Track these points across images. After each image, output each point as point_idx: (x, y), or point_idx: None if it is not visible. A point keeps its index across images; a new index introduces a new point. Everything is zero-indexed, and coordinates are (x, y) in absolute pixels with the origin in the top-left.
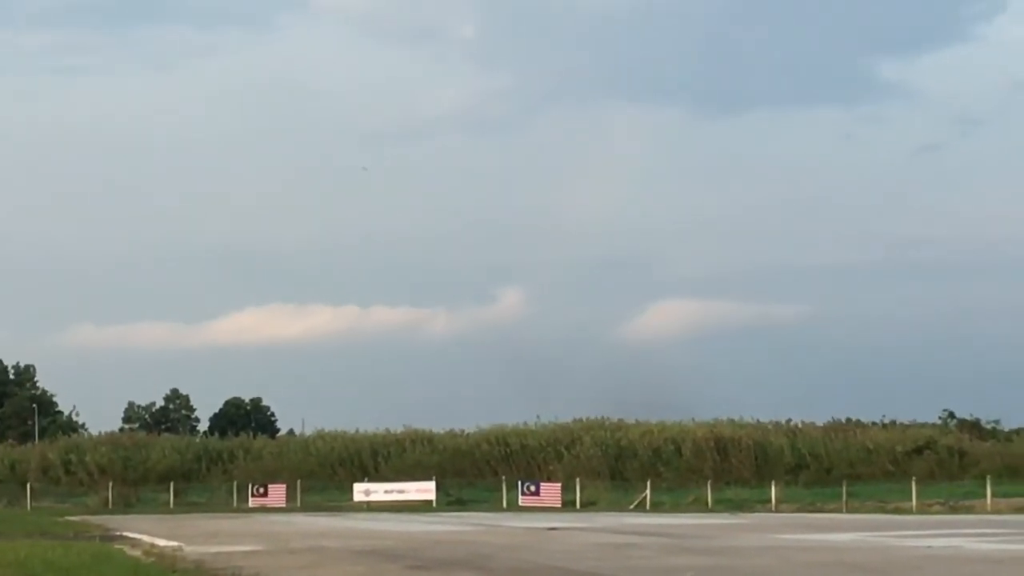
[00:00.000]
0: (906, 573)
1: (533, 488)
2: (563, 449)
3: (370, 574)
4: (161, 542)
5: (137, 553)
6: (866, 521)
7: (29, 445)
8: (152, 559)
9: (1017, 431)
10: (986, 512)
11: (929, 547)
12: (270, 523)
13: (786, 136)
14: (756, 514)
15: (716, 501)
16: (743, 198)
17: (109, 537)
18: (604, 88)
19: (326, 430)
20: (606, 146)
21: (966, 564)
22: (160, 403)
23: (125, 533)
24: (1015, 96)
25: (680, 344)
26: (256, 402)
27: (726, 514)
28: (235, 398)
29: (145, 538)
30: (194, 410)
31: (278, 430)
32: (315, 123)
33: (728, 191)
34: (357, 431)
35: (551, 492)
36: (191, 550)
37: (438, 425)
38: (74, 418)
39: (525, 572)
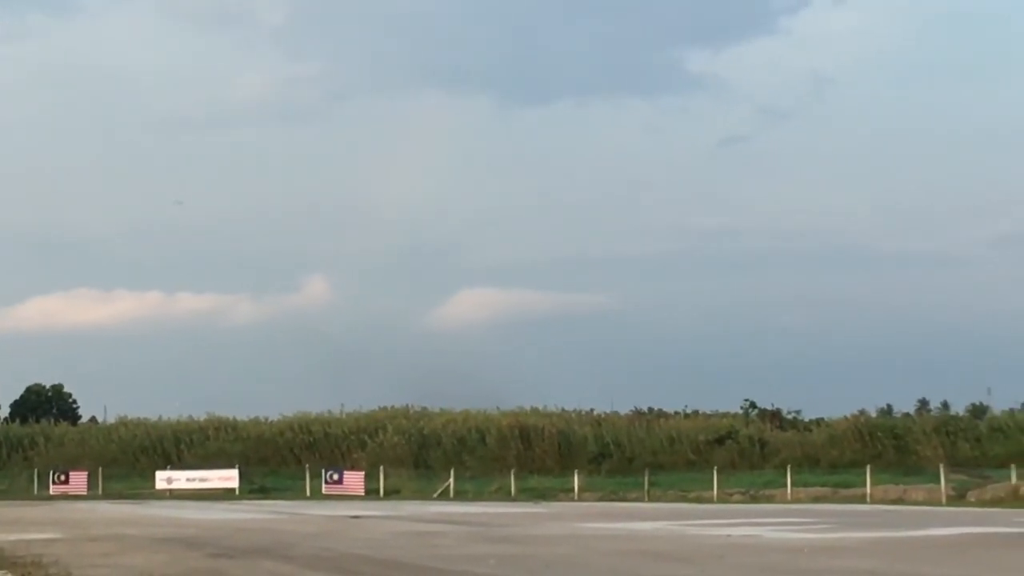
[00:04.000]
0: (706, 561)
1: (336, 476)
2: (367, 438)
3: (171, 562)
4: None
5: None
6: (668, 510)
7: None
8: None
9: (816, 421)
10: (786, 501)
11: (729, 536)
12: (72, 510)
13: (592, 127)
14: (559, 503)
15: (520, 490)
16: (549, 188)
17: None
18: (413, 77)
19: (129, 417)
20: (414, 135)
21: (765, 553)
22: None
23: None
24: (818, 90)
25: (484, 333)
26: (58, 388)
27: (529, 503)
28: (36, 384)
29: None
30: None
31: (80, 417)
32: (118, 107)
33: (534, 181)
34: (160, 418)
35: (354, 480)
36: None
37: (242, 413)
38: None
39: (327, 560)
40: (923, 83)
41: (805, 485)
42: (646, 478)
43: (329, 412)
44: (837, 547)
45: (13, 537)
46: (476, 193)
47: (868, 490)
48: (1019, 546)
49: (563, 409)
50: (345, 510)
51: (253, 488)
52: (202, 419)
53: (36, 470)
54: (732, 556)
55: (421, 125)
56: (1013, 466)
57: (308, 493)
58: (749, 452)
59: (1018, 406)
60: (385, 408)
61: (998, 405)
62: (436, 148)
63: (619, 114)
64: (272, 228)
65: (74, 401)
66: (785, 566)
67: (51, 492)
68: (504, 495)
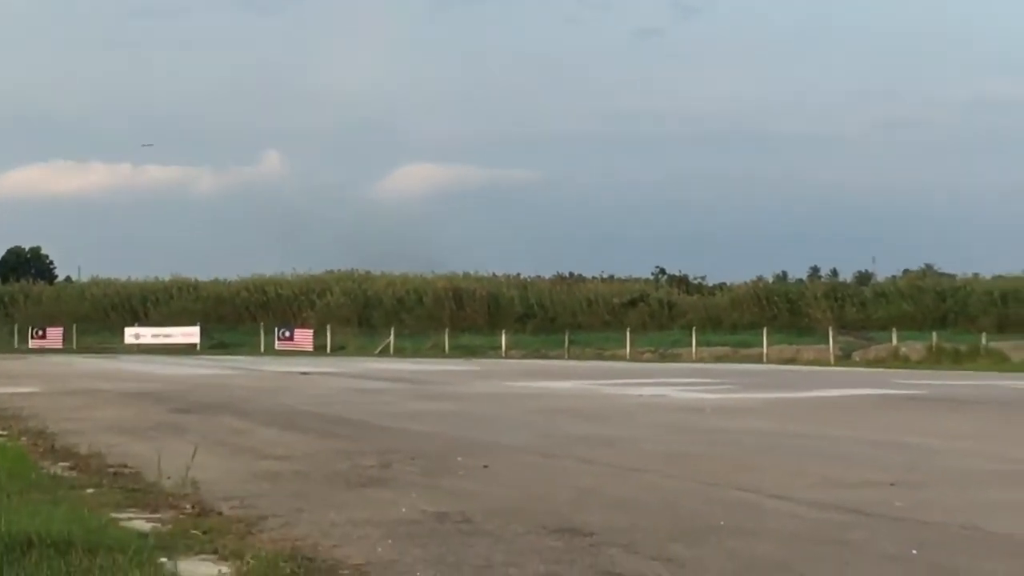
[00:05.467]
0: (619, 419)
1: (288, 333)
2: (315, 298)
3: (139, 415)
4: None
5: None
6: (585, 369)
7: None
8: None
9: (720, 286)
10: (691, 360)
11: (640, 395)
12: (50, 364)
13: (520, 18)
14: (488, 360)
15: (452, 347)
16: (483, 73)
17: None
18: None
19: (100, 277)
20: (360, 21)
21: (671, 412)
22: None
23: None
24: None
25: (423, 203)
26: (36, 250)
27: (461, 360)
28: (16, 247)
29: None
30: None
31: (56, 277)
32: None
33: (469, 66)
34: (128, 279)
35: (304, 337)
36: None
37: (203, 274)
38: None
39: (279, 416)
40: None
41: (709, 345)
42: (567, 338)
43: (282, 274)
44: (736, 408)
45: None
46: (416, 76)
47: (765, 350)
48: (896, 407)
49: (493, 274)
50: (296, 366)
51: (213, 344)
52: (167, 279)
53: (16, 326)
54: (642, 415)
55: (366, 12)
56: (894, 329)
57: (262, 349)
58: (659, 314)
59: (900, 273)
60: (332, 271)
61: (881, 273)
62: (380, 33)
63: (544, 7)
64: (232, 106)
65: (51, 262)
66: (688, 424)
67: (30, 346)
68: (439, 352)
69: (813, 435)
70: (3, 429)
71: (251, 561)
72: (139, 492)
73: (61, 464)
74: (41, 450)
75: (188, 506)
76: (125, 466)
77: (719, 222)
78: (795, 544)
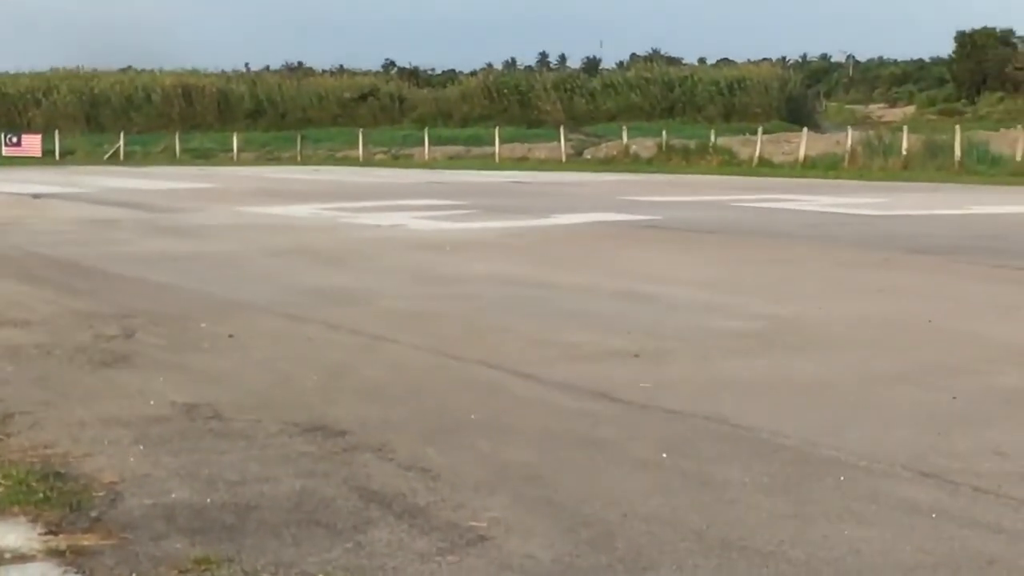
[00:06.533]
0: (360, 262)
1: (16, 139)
2: (41, 96)
3: None
4: None
5: None
6: (320, 184)
7: None
8: None
9: (450, 77)
10: (423, 161)
11: (379, 226)
12: None
13: None
14: (221, 169)
15: (184, 151)
16: None
17: None
18: None
19: None
20: None
21: (412, 251)
22: None
23: None
24: None
25: None
26: None
27: (194, 169)
28: None
29: None
30: None
31: None
32: None
33: None
34: None
35: (32, 143)
36: None
37: None
38: None
39: (12, 261)
40: None
41: (440, 141)
42: (298, 141)
43: (6, 72)
44: (473, 243)
45: None
46: None
47: (497, 150)
48: (634, 240)
49: (222, 70)
50: (26, 183)
51: None
52: None
53: None
54: (382, 255)
55: None
56: (624, 126)
57: None
58: (390, 108)
59: (627, 59)
60: (57, 69)
61: (609, 58)
62: None
63: None
64: None
65: None
66: (428, 269)
67: None
68: (170, 156)
69: (552, 283)
70: None
71: (2, 484)
72: None
73: None
74: None
75: None
76: None
77: (447, 9)
78: (546, 445)
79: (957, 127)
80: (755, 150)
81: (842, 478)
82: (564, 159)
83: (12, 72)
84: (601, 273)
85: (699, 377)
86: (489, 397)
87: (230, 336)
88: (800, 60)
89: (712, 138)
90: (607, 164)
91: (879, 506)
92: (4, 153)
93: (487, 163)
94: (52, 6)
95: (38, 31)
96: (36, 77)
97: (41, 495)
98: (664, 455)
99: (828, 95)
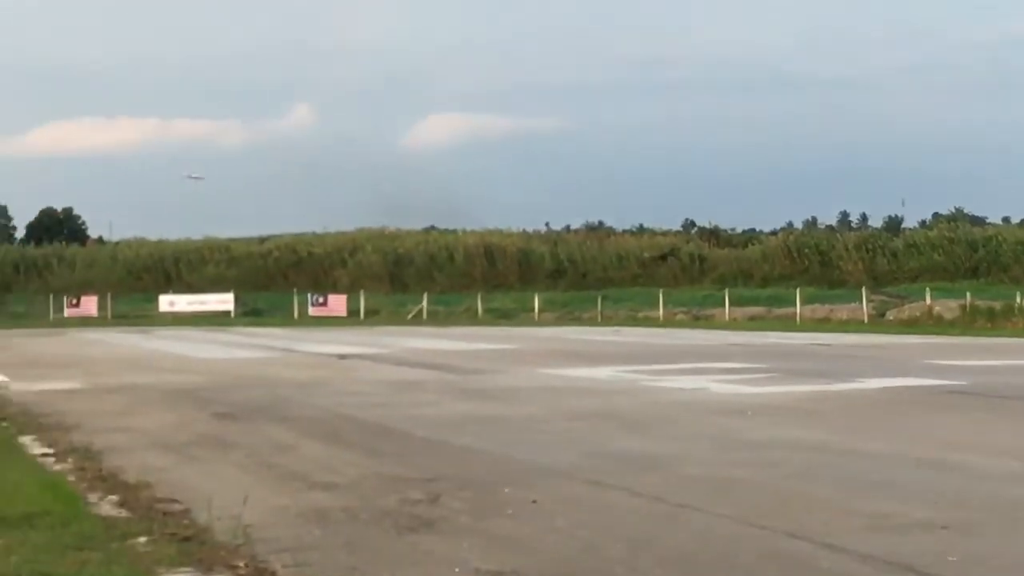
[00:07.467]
0: (661, 426)
1: (322, 300)
2: (347, 256)
3: (180, 424)
4: None
5: None
6: (621, 345)
7: None
8: None
9: (750, 236)
10: (724, 322)
11: (680, 389)
12: (87, 343)
13: None
14: (522, 329)
15: (485, 311)
16: (505, 24)
17: None
18: None
19: (133, 237)
20: None
21: (713, 415)
22: None
23: None
24: None
25: (450, 154)
26: (68, 211)
27: (495, 329)
28: (49, 207)
29: None
30: (11, 219)
31: (88, 237)
32: None
33: (491, 18)
34: (160, 239)
35: (338, 303)
36: (17, 388)
37: (233, 232)
38: None
39: (321, 424)
40: None
41: (741, 301)
42: (599, 300)
43: (312, 232)
44: (776, 407)
45: (36, 387)
46: (442, 27)
47: (798, 310)
48: (937, 406)
49: (524, 230)
50: (332, 343)
51: (246, 311)
52: (199, 240)
53: (51, 294)
54: (684, 420)
55: None
56: (928, 288)
57: (296, 315)
58: (690, 268)
59: (930, 217)
60: (363, 229)
61: (911, 216)
62: None
63: None
64: (261, 59)
65: (83, 223)
66: (731, 434)
67: (65, 315)
68: (471, 316)
69: (855, 450)
70: (49, 446)
71: None
72: (192, 543)
73: (110, 499)
74: (89, 476)
75: (241, 564)
76: (175, 501)
77: (747, 167)
78: None
79: None
80: None
81: None
82: (866, 320)
83: (319, 232)
84: (906, 440)
85: (1009, 551)
86: (796, 570)
87: (533, 502)
88: None
89: (1018, 299)
90: (910, 326)
91: None
92: (311, 313)
93: (788, 324)
94: (357, 168)
95: (343, 189)
96: (342, 237)
97: None
98: None
99: None
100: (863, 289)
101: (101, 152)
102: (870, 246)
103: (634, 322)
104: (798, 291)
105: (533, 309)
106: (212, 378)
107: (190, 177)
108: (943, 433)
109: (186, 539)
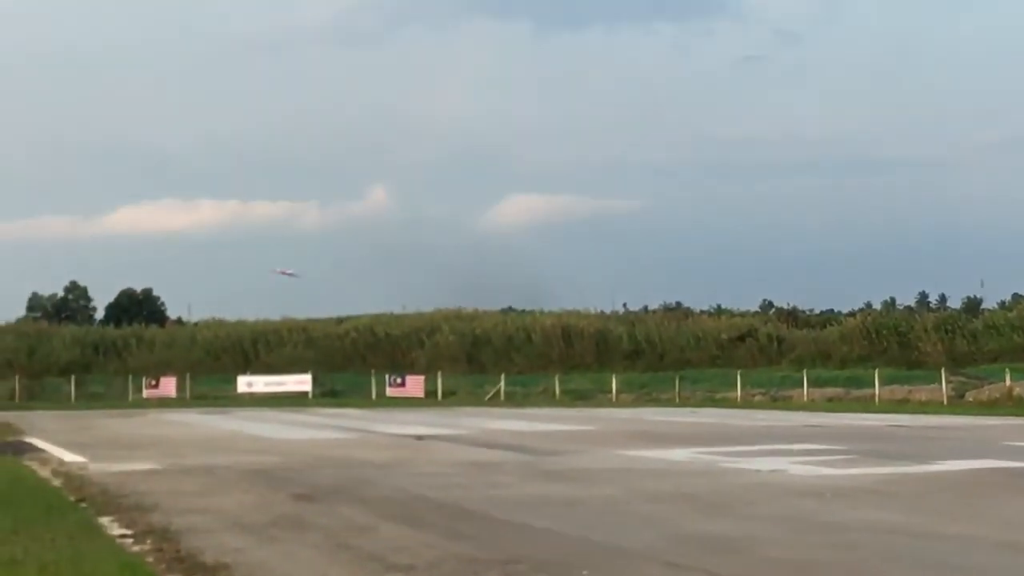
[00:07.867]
0: (740, 508)
1: (400, 380)
2: (424, 337)
3: (259, 505)
4: (68, 456)
5: (46, 473)
6: (699, 427)
7: None
8: (60, 480)
9: (828, 317)
10: (803, 403)
11: (758, 471)
12: (165, 424)
13: (622, 48)
14: (599, 410)
15: (563, 392)
16: (585, 103)
17: (19, 448)
18: (462, 5)
19: (211, 318)
20: (464, 55)
21: (791, 497)
22: (60, 294)
23: (33, 440)
24: (827, 11)
25: (527, 235)
26: (147, 292)
27: (572, 410)
28: (128, 288)
29: (53, 451)
30: (91, 300)
31: (167, 318)
32: (196, 30)
33: (570, 98)
34: (239, 320)
35: (415, 384)
36: (95, 469)
37: (311, 313)
38: None
39: (398, 505)
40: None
41: (819, 381)
42: (676, 382)
43: (391, 313)
44: (855, 490)
45: (115, 468)
46: (520, 108)
47: (877, 391)
48: (1017, 489)
49: (601, 311)
50: (409, 424)
51: (324, 391)
52: (276, 321)
53: (130, 375)
54: (762, 501)
55: (470, 47)
56: (1008, 369)
57: (374, 396)
58: (767, 349)
59: (1009, 298)
60: (440, 309)
61: (991, 297)
62: (483, 64)
63: (646, 37)
64: (338, 141)
65: (162, 304)
66: (809, 516)
67: (144, 396)
68: (549, 397)
69: (934, 533)
70: (128, 527)
71: None
72: None
73: None
74: (167, 557)
75: None
76: None
77: (825, 248)
78: None
79: None
80: None
81: None
82: (945, 401)
83: (397, 312)
84: (986, 523)
85: None
86: None
87: None
88: None
89: None
90: (989, 407)
91: None
92: (388, 393)
93: (867, 405)
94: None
95: (420, 269)
96: (420, 318)
97: None
98: None
99: None
100: (942, 370)
101: (181, 233)
102: (949, 327)
103: (712, 403)
104: (876, 372)
105: (610, 390)
106: (290, 459)
107: (283, 273)
108: (1023, 517)
109: None
